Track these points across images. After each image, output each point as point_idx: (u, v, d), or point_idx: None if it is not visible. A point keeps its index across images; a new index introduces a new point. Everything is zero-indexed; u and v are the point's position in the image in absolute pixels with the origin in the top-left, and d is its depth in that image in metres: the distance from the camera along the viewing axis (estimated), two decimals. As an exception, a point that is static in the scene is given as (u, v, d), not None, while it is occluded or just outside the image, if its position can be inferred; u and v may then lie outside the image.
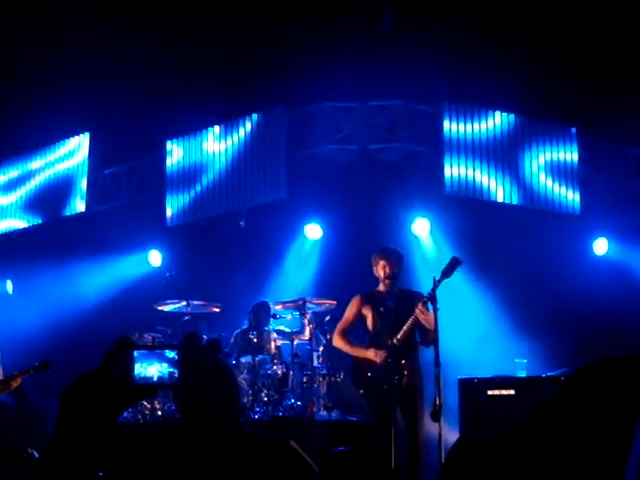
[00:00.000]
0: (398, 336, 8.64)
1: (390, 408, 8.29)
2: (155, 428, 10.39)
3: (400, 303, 8.76)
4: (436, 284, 8.45)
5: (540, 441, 1.27)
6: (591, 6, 12.06)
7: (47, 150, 15.11)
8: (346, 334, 9.18)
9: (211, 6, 12.75)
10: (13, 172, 15.42)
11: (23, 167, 15.33)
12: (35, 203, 15.07)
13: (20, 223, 15.05)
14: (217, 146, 13.75)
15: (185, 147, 14.04)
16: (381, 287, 8.93)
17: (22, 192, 15.22)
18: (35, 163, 15.20)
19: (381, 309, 8.79)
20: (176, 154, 14.08)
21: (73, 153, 14.76)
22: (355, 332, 9.33)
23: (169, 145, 14.12)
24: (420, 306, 8.49)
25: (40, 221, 14.89)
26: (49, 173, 15.01)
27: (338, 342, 9.24)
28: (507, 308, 12.55)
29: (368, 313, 8.99)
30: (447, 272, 8.50)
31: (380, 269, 8.88)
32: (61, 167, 14.87)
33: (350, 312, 9.18)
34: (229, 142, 13.68)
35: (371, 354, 8.76)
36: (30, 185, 15.17)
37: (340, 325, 9.25)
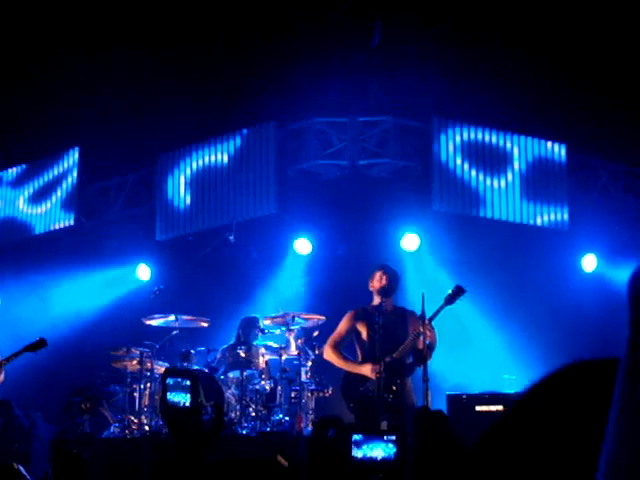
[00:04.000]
0: (395, 354, 8.66)
1: (378, 425, 8.28)
2: (142, 443, 10.35)
3: (393, 319, 8.78)
4: (438, 310, 8.49)
5: (503, 453, 1.23)
6: (585, 21, 12.10)
7: (38, 164, 15.08)
8: (338, 348, 9.19)
9: (201, 23, 12.77)
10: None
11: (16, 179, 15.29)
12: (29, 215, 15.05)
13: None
14: (207, 161, 13.74)
15: (175, 161, 14.02)
16: (375, 301, 8.96)
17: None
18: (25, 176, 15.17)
19: (374, 326, 8.82)
20: (166, 168, 14.07)
21: (64, 166, 14.73)
22: (346, 347, 9.33)
23: (159, 159, 14.11)
24: (426, 325, 8.52)
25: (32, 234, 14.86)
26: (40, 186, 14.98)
27: (329, 355, 9.25)
28: (496, 324, 12.57)
29: (363, 329, 9.02)
30: (450, 300, 8.54)
31: (376, 281, 8.92)
32: (51, 180, 14.84)
33: (343, 326, 9.20)
34: (219, 157, 13.68)
35: (366, 369, 8.77)
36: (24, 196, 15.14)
37: (332, 338, 9.26)
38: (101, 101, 13.23)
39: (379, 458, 1.51)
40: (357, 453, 1.54)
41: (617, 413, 1.10)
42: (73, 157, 14.63)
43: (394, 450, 1.49)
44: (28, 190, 15.08)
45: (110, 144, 13.79)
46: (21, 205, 15.12)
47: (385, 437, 1.48)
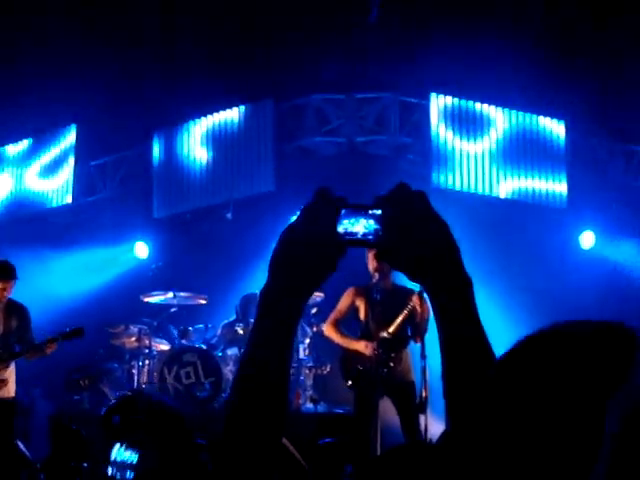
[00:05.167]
0: (390, 329, 8.66)
1: (376, 401, 8.30)
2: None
3: (392, 297, 8.76)
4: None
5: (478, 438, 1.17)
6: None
7: (34, 142, 15.08)
8: (338, 325, 9.20)
9: (198, 1, 12.72)
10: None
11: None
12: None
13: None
14: (204, 138, 13.72)
15: (172, 139, 14.00)
16: (374, 280, 8.94)
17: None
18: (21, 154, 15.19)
19: (372, 302, 8.81)
20: (163, 146, 14.06)
21: (61, 144, 14.74)
22: (348, 324, 9.34)
23: (156, 137, 14.09)
24: (416, 298, 8.51)
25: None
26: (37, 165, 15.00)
27: (329, 332, 9.27)
28: (494, 301, 12.58)
29: (361, 305, 9.02)
30: None
31: (370, 261, 8.88)
32: (48, 158, 14.86)
33: (343, 303, 9.20)
34: (216, 134, 13.65)
35: (361, 346, 8.78)
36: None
37: (332, 316, 9.27)
38: (98, 78, 13.18)
39: (360, 234, 1.50)
40: (339, 228, 1.53)
41: None
42: (70, 135, 14.63)
43: (375, 226, 1.48)
44: (26, 168, 15.09)
45: (107, 122, 13.76)
46: (19, 183, 15.13)
47: (370, 212, 1.47)
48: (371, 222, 1.75)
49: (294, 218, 1.78)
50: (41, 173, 14.89)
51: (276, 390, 1.61)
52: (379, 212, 1.74)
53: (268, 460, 1.58)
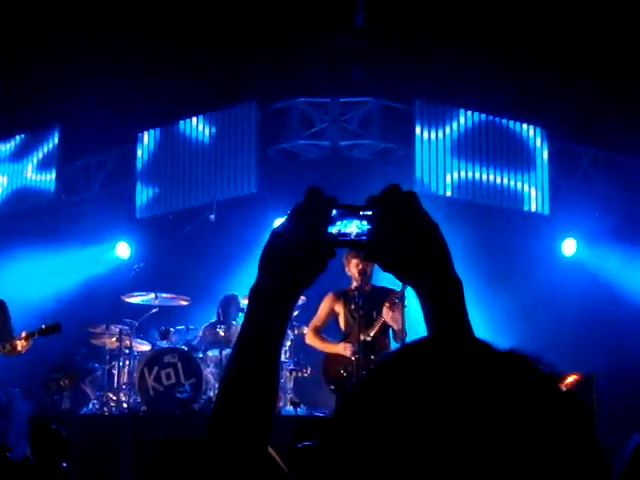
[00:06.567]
0: (371, 333, 8.67)
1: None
2: (121, 420, 10.37)
3: (372, 300, 8.76)
4: (405, 285, 8.35)
5: None
6: (567, 7, 12.12)
7: (16, 141, 15.02)
8: (319, 332, 9.22)
9: (183, 3, 12.71)
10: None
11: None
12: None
13: None
14: (188, 140, 13.72)
15: (156, 140, 14.00)
16: (354, 284, 8.93)
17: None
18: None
19: (352, 306, 8.81)
20: (146, 146, 14.05)
21: (44, 143, 14.70)
22: (329, 330, 9.35)
23: (139, 137, 14.08)
24: (387, 304, 8.48)
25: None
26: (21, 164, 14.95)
27: (311, 341, 9.28)
28: (474, 307, 12.59)
29: (340, 310, 9.03)
30: None
31: (353, 267, 8.85)
32: (31, 157, 14.81)
33: (323, 310, 9.21)
34: (200, 136, 13.66)
35: (340, 348, 8.80)
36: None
37: (313, 323, 9.28)
38: (82, 78, 13.14)
39: (353, 235, 1.50)
40: (332, 229, 1.54)
41: None
42: (54, 135, 14.59)
43: (367, 227, 1.49)
44: (10, 167, 15.04)
45: (91, 123, 13.72)
46: (3, 182, 15.08)
47: (361, 213, 1.47)
48: (364, 223, 1.77)
49: (285, 217, 1.78)
50: (25, 173, 14.84)
51: (264, 391, 1.60)
52: (370, 213, 1.75)
53: (253, 464, 1.57)
